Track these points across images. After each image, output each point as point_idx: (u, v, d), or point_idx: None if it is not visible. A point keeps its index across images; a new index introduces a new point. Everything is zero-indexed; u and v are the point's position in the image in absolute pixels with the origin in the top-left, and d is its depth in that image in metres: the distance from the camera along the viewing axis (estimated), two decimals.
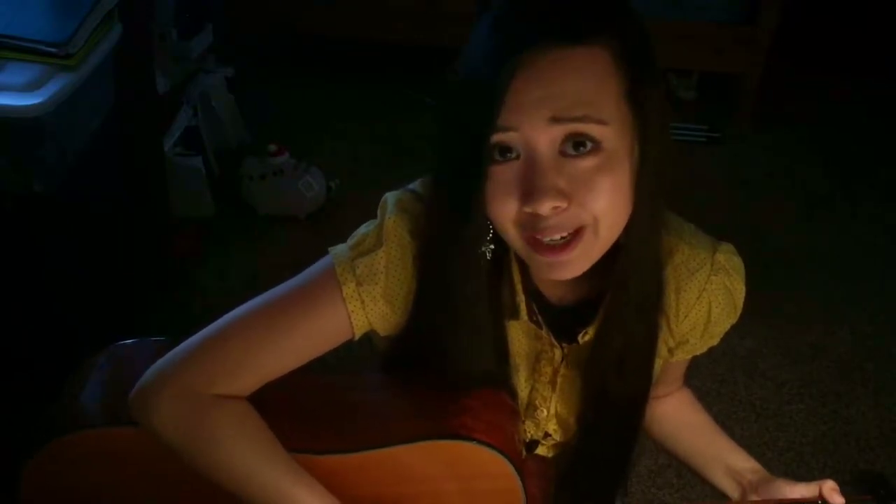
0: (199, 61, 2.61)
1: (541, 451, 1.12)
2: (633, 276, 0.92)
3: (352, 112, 3.01)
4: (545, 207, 0.82)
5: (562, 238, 0.85)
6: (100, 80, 1.78)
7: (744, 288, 1.03)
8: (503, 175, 0.83)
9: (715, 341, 1.08)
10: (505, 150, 0.83)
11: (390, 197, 0.97)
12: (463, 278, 0.91)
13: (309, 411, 0.98)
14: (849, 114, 3.11)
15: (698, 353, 1.10)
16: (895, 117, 3.07)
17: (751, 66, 2.92)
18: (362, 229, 0.97)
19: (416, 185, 0.99)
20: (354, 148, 2.87)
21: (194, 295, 2.31)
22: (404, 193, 0.97)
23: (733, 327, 1.06)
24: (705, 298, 1.01)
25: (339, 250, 0.96)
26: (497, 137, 0.82)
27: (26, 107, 1.60)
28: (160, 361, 0.92)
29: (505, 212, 0.85)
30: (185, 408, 0.90)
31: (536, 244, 0.85)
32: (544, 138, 0.81)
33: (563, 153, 0.82)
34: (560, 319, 1.00)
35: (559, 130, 0.81)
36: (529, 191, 0.82)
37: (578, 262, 0.87)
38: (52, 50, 1.67)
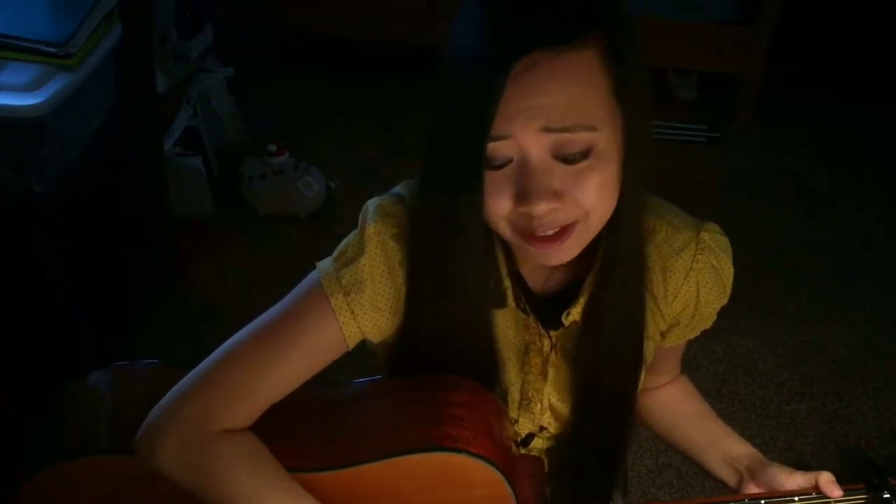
0: (199, 61, 2.61)
1: (537, 443, 1.11)
2: (617, 253, 0.94)
3: (352, 112, 3.01)
4: (540, 209, 0.84)
5: (554, 232, 0.86)
6: (100, 80, 1.78)
7: (732, 267, 1.03)
8: (497, 177, 0.85)
9: (707, 324, 1.08)
10: (499, 156, 0.84)
11: (371, 204, 0.97)
12: (455, 271, 0.91)
13: (301, 428, 0.97)
14: (849, 114, 3.10)
15: (691, 336, 1.09)
16: (895, 117, 3.07)
17: (751, 65, 2.92)
18: (345, 240, 0.97)
19: (398, 188, 0.99)
20: (354, 148, 2.86)
21: (194, 295, 2.31)
22: (385, 199, 0.97)
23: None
24: (693, 278, 1.01)
25: (323, 264, 0.96)
26: (490, 145, 0.82)
27: (26, 107, 1.61)
28: (161, 403, 0.92)
29: (498, 210, 0.86)
30: (189, 449, 0.91)
31: (529, 237, 0.87)
32: (536, 145, 0.83)
33: (555, 157, 0.83)
34: (545, 308, 1.00)
35: (550, 138, 0.82)
36: (524, 193, 0.84)
37: (570, 249, 0.89)
38: (52, 50, 1.67)
